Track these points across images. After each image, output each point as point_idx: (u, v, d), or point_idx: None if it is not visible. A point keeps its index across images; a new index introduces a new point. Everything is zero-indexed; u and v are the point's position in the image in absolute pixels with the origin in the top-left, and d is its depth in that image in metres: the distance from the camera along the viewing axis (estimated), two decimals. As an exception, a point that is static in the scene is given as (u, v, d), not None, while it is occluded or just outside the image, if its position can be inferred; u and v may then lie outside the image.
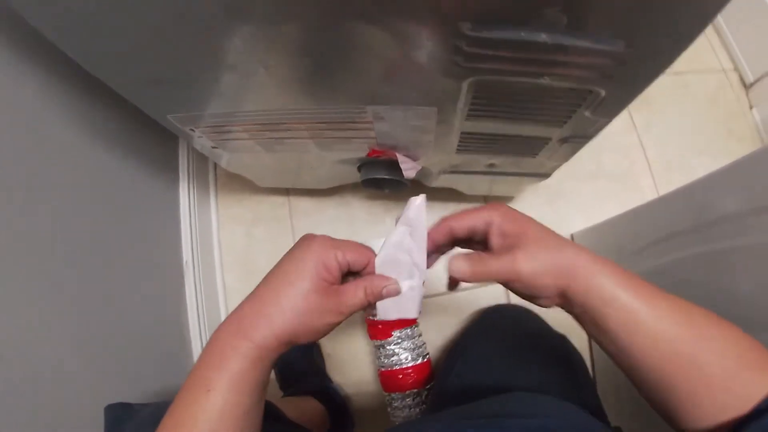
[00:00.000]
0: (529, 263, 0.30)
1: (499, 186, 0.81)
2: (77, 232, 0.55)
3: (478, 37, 0.33)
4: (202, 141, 0.58)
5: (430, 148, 0.57)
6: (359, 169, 0.76)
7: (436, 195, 0.88)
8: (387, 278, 0.34)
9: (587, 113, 0.45)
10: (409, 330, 0.75)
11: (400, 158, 0.60)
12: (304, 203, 0.93)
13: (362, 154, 0.63)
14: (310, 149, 0.62)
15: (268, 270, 0.34)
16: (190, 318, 0.78)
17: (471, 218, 0.35)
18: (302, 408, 0.69)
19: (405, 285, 0.36)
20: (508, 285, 0.32)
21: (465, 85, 0.41)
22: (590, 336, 0.32)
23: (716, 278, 0.52)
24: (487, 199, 0.92)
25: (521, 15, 0.31)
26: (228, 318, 0.31)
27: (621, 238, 0.75)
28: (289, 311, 0.30)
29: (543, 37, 0.33)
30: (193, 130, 0.54)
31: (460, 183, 0.79)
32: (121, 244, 0.64)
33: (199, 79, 0.43)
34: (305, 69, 0.40)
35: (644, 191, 0.92)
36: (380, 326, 0.74)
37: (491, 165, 0.64)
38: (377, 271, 0.35)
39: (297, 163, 0.71)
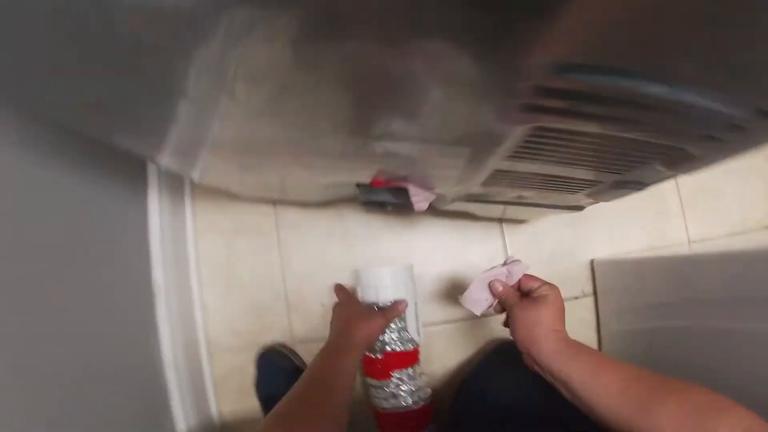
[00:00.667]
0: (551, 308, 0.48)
1: (516, 211, 0.71)
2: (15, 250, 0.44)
3: (571, 80, 0.22)
4: (161, 162, 0.47)
5: (450, 183, 0.47)
6: (358, 186, 0.65)
7: (447, 214, 0.78)
8: (401, 302, 0.65)
9: (660, 167, 0.36)
10: (410, 370, 0.66)
11: (412, 190, 0.50)
12: (292, 214, 0.82)
13: (364, 180, 0.52)
14: (299, 173, 0.52)
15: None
16: (163, 348, 0.68)
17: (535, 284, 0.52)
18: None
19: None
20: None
21: (519, 130, 0.30)
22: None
23: (728, 359, 0.51)
24: (501, 221, 0.82)
25: (641, 63, 0.20)
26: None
27: (640, 285, 0.69)
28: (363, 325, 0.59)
29: (658, 90, 0.22)
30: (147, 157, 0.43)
31: (474, 208, 0.69)
32: (71, 267, 0.53)
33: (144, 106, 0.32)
34: (294, 95, 0.29)
35: (670, 214, 0.84)
36: (379, 365, 0.65)
37: (519, 197, 0.54)
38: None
39: (282, 183, 0.60)
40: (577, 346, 0.44)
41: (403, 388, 0.65)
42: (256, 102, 0.29)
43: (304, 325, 0.80)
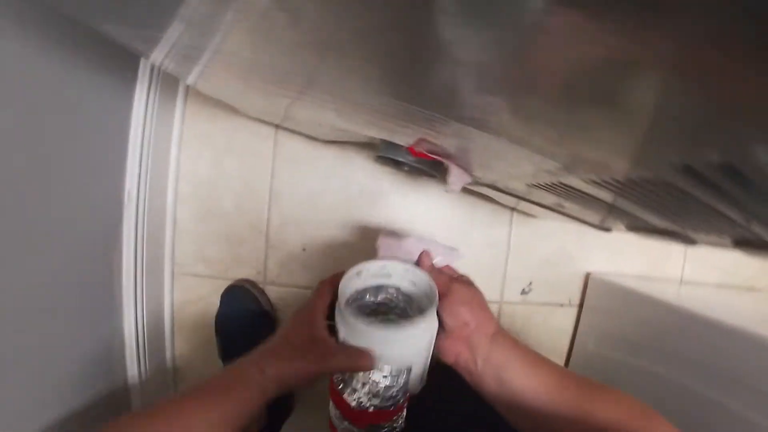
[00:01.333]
0: (464, 290, 0.41)
1: (534, 207, 0.66)
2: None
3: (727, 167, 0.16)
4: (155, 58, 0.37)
5: (498, 177, 0.41)
6: (382, 140, 0.58)
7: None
8: (365, 355, 0.37)
9: (727, 239, 0.31)
10: (394, 419, 0.43)
11: (453, 170, 0.43)
12: (294, 144, 0.74)
13: (399, 142, 0.45)
14: (324, 113, 0.44)
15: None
16: (124, 261, 0.61)
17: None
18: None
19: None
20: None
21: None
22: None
23: (690, 421, 0.51)
24: (513, 210, 0.77)
25: None
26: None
27: (625, 315, 0.69)
28: (286, 356, 0.39)
29: None
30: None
31: (495, 194, 0.63)
32: (33, 162, 0.45)
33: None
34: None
35: (671, 250, 0.81)
36: (355, 416, 0.41)
37: (558, 205, 0.49)
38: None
39: (296, 113, 0.52)
40: (512, 337, 0.41)
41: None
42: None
43: (281, 267, 0.75)
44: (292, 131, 0.73)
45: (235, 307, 0.70)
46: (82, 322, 0.55)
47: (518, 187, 0.46)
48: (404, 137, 0.40)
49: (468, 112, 0.25)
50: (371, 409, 0.40)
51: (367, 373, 0.39)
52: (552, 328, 0.79)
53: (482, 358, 0.39)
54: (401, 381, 0.40)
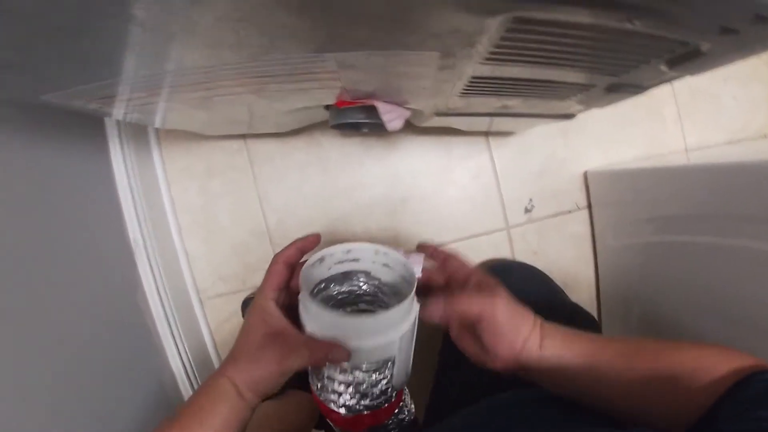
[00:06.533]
0: (507, 304, 0.34)
1: (503, 123, 0.65)
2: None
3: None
4: (113, 112, 0.41)
5: (423, 95, 0.42)
6: (327, 108, 0.60)
7: (429, 130, 0.73)
8: (334, 346, 0.31)
9: (663, 66, 0.30)
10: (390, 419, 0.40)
11: (381, 107, 0.44)
12: (265, 146, 0.77)
13: (328, 102, 0.47)
14: (256, 102, 0.46)
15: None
16: (151, 304, 0.66)
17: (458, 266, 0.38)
18: (287, 410, 0.61)
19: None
20: (475, 325, 0.33)
21: (494, 23, 0.25)
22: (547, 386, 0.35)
23: (723, 275, 0.50)
24: (487, 135, 0.76)
25: None
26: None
27: (636, 197, 0.66)
28: (244, 361, 0.33)
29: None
30: (87, 104, 0.37)
31: (457, 122, 0.63)
32: (37, 245, 0.49)
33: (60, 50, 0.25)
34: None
35: (666, 121, 0.78)
36: (348, 424, 0.38)
37: (503, 107, 0.49)
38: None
39: (244, 115, 0.54)
40: (559, 328, 0.35)
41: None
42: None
43: (293, 263, 0.78)
44: (259, 136, 0.76)
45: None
46: (127, 369, 0.58)
47: (456, 103, 0.47)
48: (324, 95, 0.42)
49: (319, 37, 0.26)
50: (365, 412, 0.35)
51: (345, 372, 0.34)
52: (568, 237, 0.78)
53: (532, 367, 0.34)
54: (387, 374, 0.35)
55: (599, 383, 0.32)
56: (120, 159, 0.67)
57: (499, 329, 0.33)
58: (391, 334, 0.32)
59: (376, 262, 0.37)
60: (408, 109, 0.47)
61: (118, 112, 0.43)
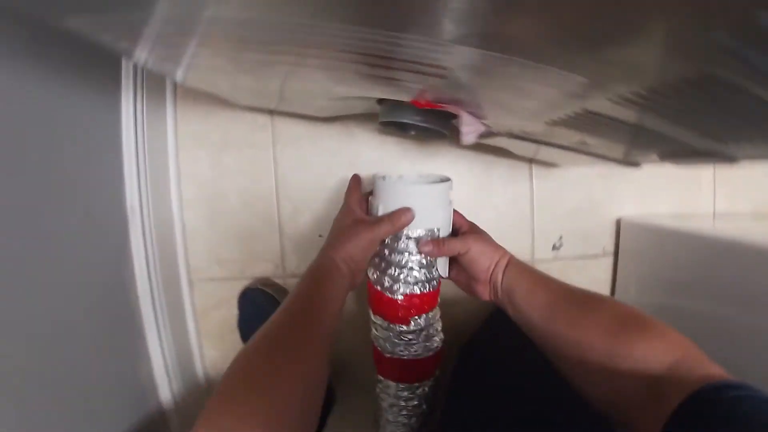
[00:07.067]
0: (481, 240, 0.48)
1: (553, 154, 0.61)
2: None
3: None
4: (139, 55, 0.34)
5: (515, 115, 0.37)
6: (379, 102, 0.54)
7: (473, 146, 0.68)
8: (403, 210, 0.47)
9: None
10: (430, 314, 0.53)
11: (465, 119, 0.39)
12: (293, 128, 0.70)
13: (403, 98, 0.41)
14: (316, 80, 0.40)
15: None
16: (137, 279, 0.59)
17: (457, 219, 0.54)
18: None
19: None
20: (459, 259, 0.49)
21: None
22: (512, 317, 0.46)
23: (747, 354, 0.49)
24: (531, 162, 0.72)
25: None
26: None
27: (664, 255, 0.65)
28: (342, 240, 0.47)
29: None
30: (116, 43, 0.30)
31: (511, 144, 0.59)
32: (27, 189, 0.42)
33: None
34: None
35: (702, 183, 0.76)
36: (399, 312, 0.51)
37: (581, 143, 0.45)
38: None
39: (284, 90, 0.48)
40: (522, 263, 0.47)
41: (418, 336, 0.53)
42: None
43: (299, 257, 0.72)
44: (289, 114, 0.69)
45: (253, 311, 0.68)
46: (104, 352, 0.52)
47: (537, 128, 0.42)
48: (406, 90, 0.36)
49: (470, 25, 0.21)
50: (417, 292, 0.49)
51: (402, 253, 0.49)
52: (590, 281, 0.75)
53: (501, 287, 0.46)
54: (432, 261, 0.50)
55: (552, 343, 0.40)
56: (131, 112, 0.59)
57: (475, 257, 0.46)
58: (439, 201, 0.50)
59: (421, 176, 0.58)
60: (484, 124, 0.42)
61: (145, 53, 0.36)
